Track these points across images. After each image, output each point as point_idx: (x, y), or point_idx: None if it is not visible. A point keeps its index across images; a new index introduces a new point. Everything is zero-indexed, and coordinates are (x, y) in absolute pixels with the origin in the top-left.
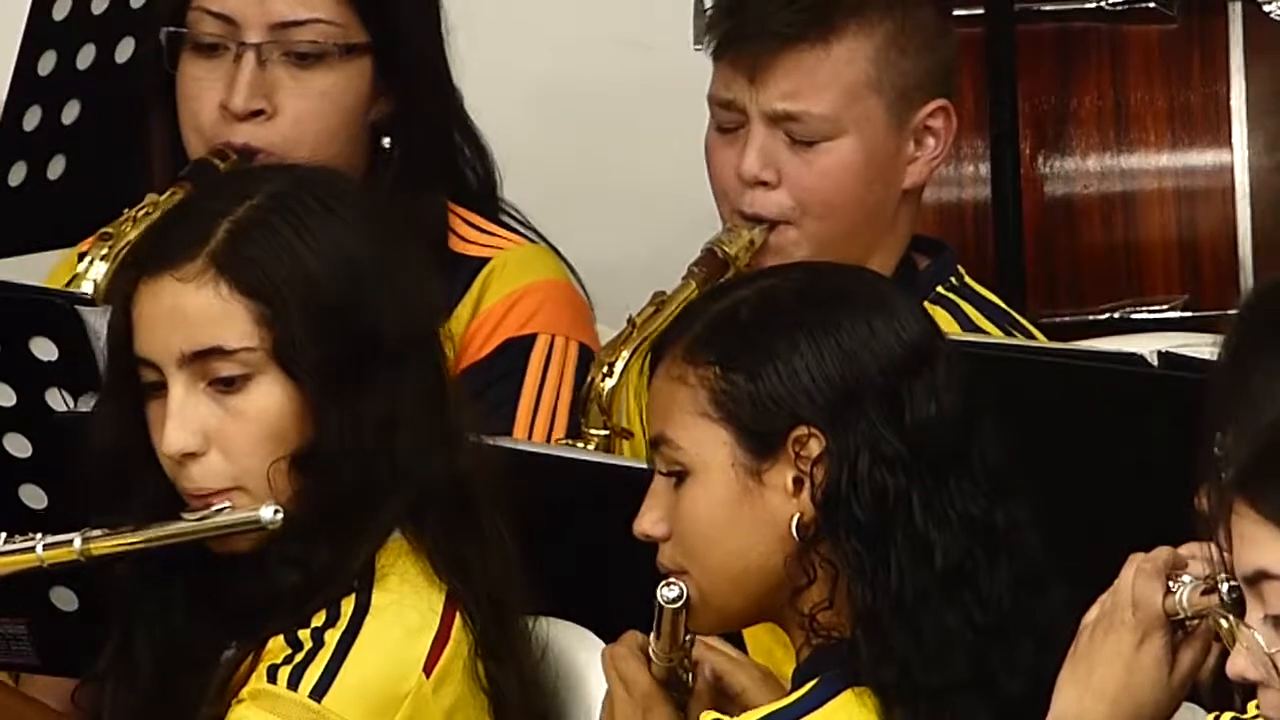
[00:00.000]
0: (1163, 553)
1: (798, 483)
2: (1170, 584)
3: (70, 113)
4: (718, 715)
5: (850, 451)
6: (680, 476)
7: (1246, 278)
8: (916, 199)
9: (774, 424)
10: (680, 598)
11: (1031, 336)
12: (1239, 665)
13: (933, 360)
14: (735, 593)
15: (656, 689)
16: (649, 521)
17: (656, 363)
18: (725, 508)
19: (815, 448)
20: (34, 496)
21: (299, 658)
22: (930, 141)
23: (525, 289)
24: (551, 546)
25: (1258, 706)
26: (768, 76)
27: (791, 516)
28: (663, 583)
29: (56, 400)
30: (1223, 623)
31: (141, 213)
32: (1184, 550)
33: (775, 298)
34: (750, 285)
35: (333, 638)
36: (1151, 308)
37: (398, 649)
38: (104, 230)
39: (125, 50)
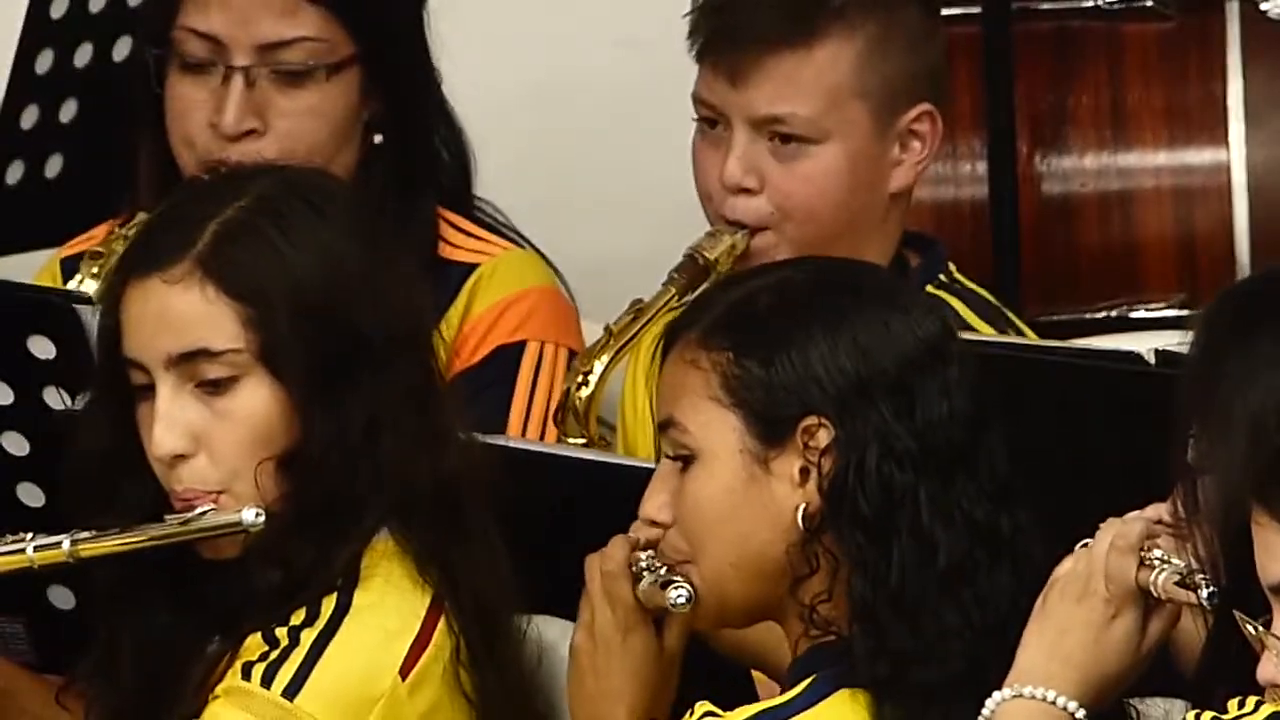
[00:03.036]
0: (1136, 526)
1: (804, 473)
2: (1144, 557)
3: (68, 111)
4: (710, 708)
5: (859, 444)
6: (687, 461)
7: (1243, 275)
8: (905, 201)
9: (784, 412)
10: (690, 600)
11: (1022, 333)
12: (1268, 671)
13: (946, 360)
14: (736, 580)
15: (640, 610)
16: (654, 506)
17: (669, 348)
18: (731, 494)
19: (824, 438)
20: (32, 495)
21: (274, 655)
22: (916, 145)
23: (514, 296)
24: (551, 546)
25: (1239, 705)
26: (750, 80)
27: (796, 506)
28: (670, 587)
29: (54, 399)
30: (1249, 629)
31: (132, 230)
32: (1150, 511)
33: (794, 288)
34: (769, 275)
35: (309, 637)
36: (1149, 306)
37: (374, 651)
38: (94, 249)
39: (123, 49)
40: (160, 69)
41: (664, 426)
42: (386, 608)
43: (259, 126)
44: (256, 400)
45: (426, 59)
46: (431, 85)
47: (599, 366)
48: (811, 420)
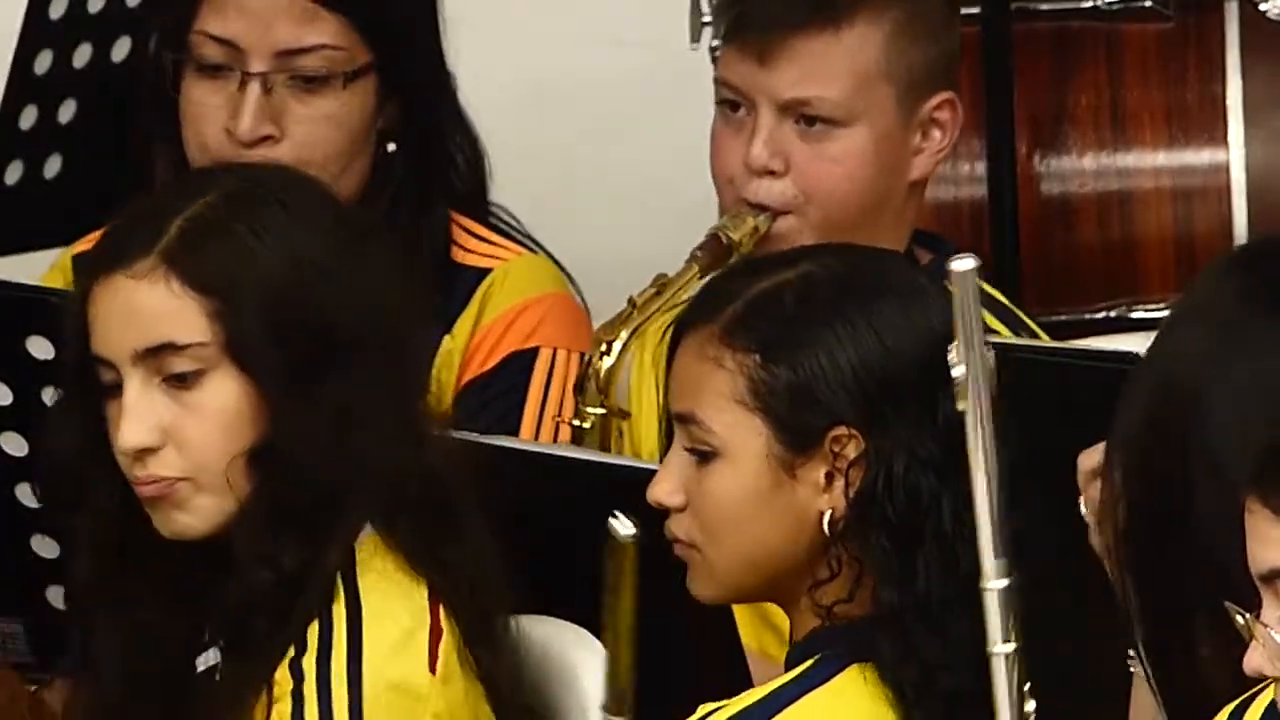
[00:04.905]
0: None
1: (829, 477)
2: None
3: (66, 112)
4: (711, 707)
5: (887, 453)
6: (706, 456)
7: None
8: (920, 192)
9: (813, 421)
10: (634, 536)
11: (1034, 334)
12: (1255, 661)
13: None
14: (749, 575)
15: None
16: (664, 491)
17: (682, 336)
18: (754, 496)
19: (853, 450)
20: (30, 495)
21: (313, 695)
22: (936, 134)
23: (527, 302)
24: (551, 546)
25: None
26: (777, 63)
27: (820, 512)
28: (615, 516)
29: (53, 399)
30: (1239, 619)
31: None
32: None
33: (819, 286)
34: (791, 268)
35: (339, 666)
36: (1148, 306)
37: (400, 655)
38: None
39: (121, 49)
40: (176, 73)
41: (683, 419)
42: (393, 605)
43: (275, 133)
44: (224, 393)
45: (442, 68)
46: (447, 93)
47: (622, 337)
48: (841, 431)
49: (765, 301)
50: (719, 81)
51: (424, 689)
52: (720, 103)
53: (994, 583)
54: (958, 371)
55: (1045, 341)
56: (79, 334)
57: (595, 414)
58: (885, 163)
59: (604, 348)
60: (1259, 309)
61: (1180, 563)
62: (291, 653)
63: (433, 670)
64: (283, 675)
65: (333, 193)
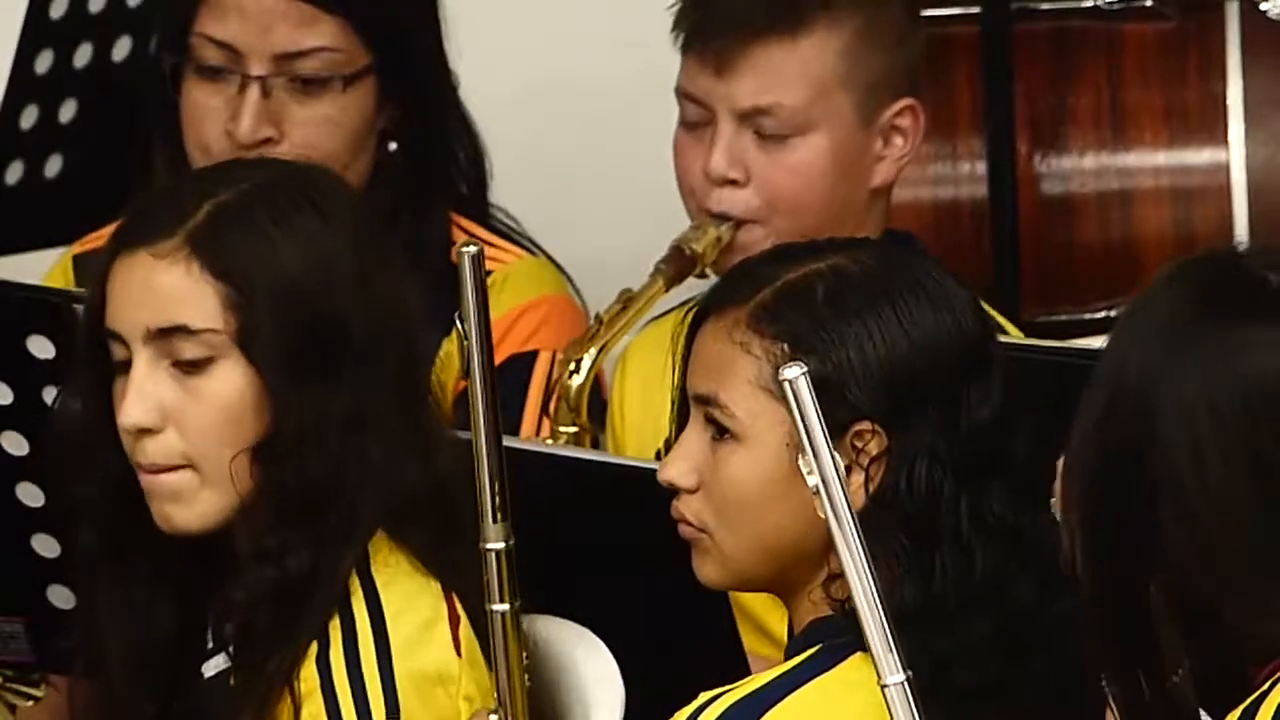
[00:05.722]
0: None
1: (848, 472)
2: None
3: (67, 111)
4: (710, 695)
5: (909, 453)
6: (725, 438)
7: None
8: (885, 198)
9: (837, 416)
10: (478, 251)
11: (1006, 332)
12: None
13: (990, 363)
14: (760, 562)
15: None
16: (678, 471)
17: (704, 317)
18: (773, 484)
19: (875, 446)
20: (31, 495)
21: (348, 687)
22: (898, 141)
23: (527, 305)
24: (551, 546)
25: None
26: (735, 70)
27: None
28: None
29: (53, 399)
30: None
31: None
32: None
33: (851, 279)
34: (823, 259)
35: (369, 656)
36: None
37: (429, 644)
38: None
39: (122, 49)
40: (176, 75)
41: (704, 400)
42: (412, 596)
43: (275, 135)
44: (230, 383)
45: (443, 68)
46: (448, 94)
47: (590, 354)
48: (864, 426)
49: (797, 291)
50: (679, 92)
51: (454, 672)
52: (681, 111)
53: (891, 678)
54: (812, 481)
55: (1045, 341)
56: (95, 308)
57: (568, 433)
58: (845, 170)
59: (572, 366)
60: (1203, 317)
61: (1141, 574)
62: (315, 649)
63: (459, 654)
64: (309, 672)
65: (356, 195)
